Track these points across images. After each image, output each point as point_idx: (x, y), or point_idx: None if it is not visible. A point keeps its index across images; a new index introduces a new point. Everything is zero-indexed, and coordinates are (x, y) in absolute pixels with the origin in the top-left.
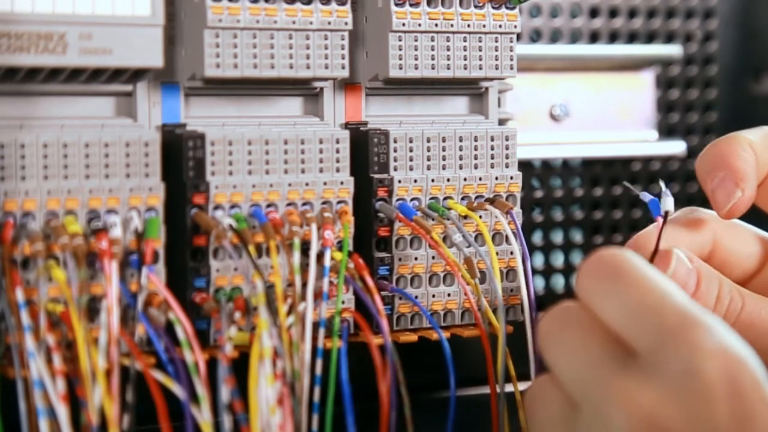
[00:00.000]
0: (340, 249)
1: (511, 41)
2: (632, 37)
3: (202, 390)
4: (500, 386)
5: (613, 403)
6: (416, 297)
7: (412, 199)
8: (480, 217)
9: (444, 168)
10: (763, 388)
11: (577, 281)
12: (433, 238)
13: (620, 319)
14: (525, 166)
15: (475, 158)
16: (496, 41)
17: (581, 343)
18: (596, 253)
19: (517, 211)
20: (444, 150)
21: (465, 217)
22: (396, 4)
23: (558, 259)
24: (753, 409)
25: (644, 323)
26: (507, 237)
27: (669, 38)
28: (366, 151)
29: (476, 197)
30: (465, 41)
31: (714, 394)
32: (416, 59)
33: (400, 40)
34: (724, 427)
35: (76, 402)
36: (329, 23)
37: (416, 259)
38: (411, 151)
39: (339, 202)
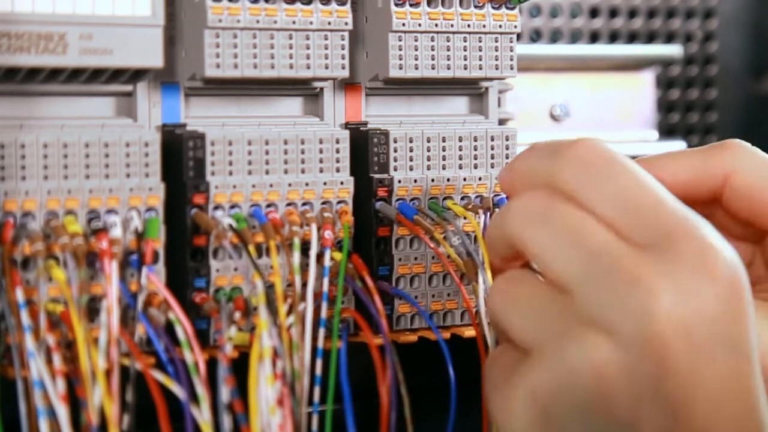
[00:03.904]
0: (340, 249)
1: (511, 41)
2: (632, 37)
3: (202, 390)
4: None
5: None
6: (416, 297)
7: (412, 199)
8: (477, 218)
9: (444, 168)
10: (749, 291)
11: (559, 168)
12: (434, 238)
13: (615, 212)
14: None
15: (475, 158)
16: (496, 41)
17: (531, 294)
18: (575, 143)
19: None
20: (444, 150)
21: (464, 218)
22: (396, 4)
23: None
24: (744, 310)
25: (647, 218)
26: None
27: (669, 38)
28: (366, 151)
29: (476, 197)
30: (465, 41)
31: (723, 288)
32: (416, 59)
33: (400, 40)
34: (725, 322)
35: (76, 402)
36: (329, 23)
37: (416, 259)
38: (411, 151)
39: (339, 202)
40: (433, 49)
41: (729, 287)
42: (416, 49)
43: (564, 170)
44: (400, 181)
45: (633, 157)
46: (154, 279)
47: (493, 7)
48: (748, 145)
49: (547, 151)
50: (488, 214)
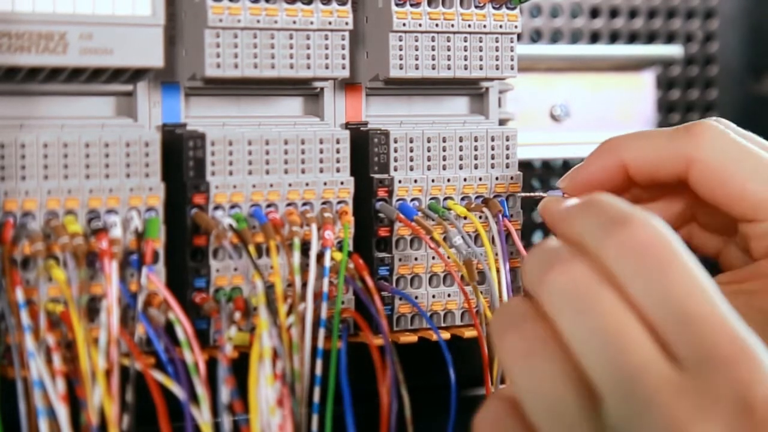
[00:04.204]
0: (340, 249)
1: (512, 41)
2: (633, 38)
3: (202, 390)
4: (496, 388)
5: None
6: (416, 297)
7: (412, 200)
8: (479, 218)
9: (444, 168)
10: None
11: (612, 248)
12: (434, 238)
13: (662, 317)
14: (525, 166)
15: (476, 158)
16: (497, 41)
17: (552, 377)
18: (633, 221)
19: (517, 211)
20: (444, 150)
21: (465, 217)
22: (396, 4)
23: None
24: None
25: (693, 334)
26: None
27: (670, 38)
28: (366, 151)
29: (476, 197)
30: (465, 41)
31: (764, 427)
32: (417, 59)
33: (400, 40)
34: None
35: (76, 402)
36: (330, 23)
37: (416, 259)
38: (411, 151)
39: (339, 203)
40: (433, 49)
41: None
42: (417, 49)
43: (616, 253)
44: (400, 181)
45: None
46: (154, 279)
47: (494, 7)
48: (718, 127)
49: (602, 217)
50: (499, 215)
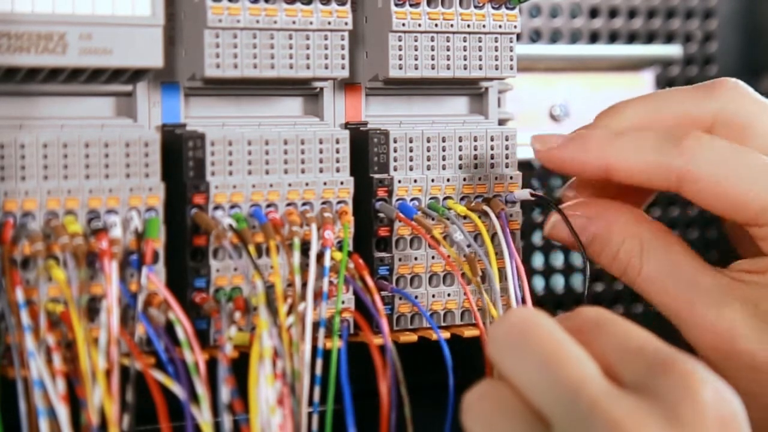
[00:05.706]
0: (340, 249)
1: (511, 41)
2: (632, 38)
3: (202, 390)
4: None
5: None
6: (416, 297)
7: (411, 199)
8: (479, 217)
9: (444, 168)
10: (745, 422)
11: (487, 344)
12: (434, 237)
13: (531, 388)
14: (525, 166)
15: (475, 158)
16: (496, 41)
17: (500, 418)
18: (505, 314)
19: (516, 210)
20: (444, 150)
21: (465, 217)
22: (396, 5)
23: (558, 259)
24: None
25: (630, 353)
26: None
27: (669, 38)
28: (366, 151)
29: (476, 197)
30: (465, 41)
31: (712, 418)
32: (416, 59)
33: (400, 41)
34: None
35: (76, 402)
36: (329, 23)
37: (416, 259)
38: (411, 151)
39: (339, 202)
40: (432, 49)
41: (719, 418)
42: (416, 49)
43: (489, 348)
44: (400, 181)
45: None
46: (154, 279)
47: (493, 7)
48: (706, 136)
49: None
50: (502, 213)
